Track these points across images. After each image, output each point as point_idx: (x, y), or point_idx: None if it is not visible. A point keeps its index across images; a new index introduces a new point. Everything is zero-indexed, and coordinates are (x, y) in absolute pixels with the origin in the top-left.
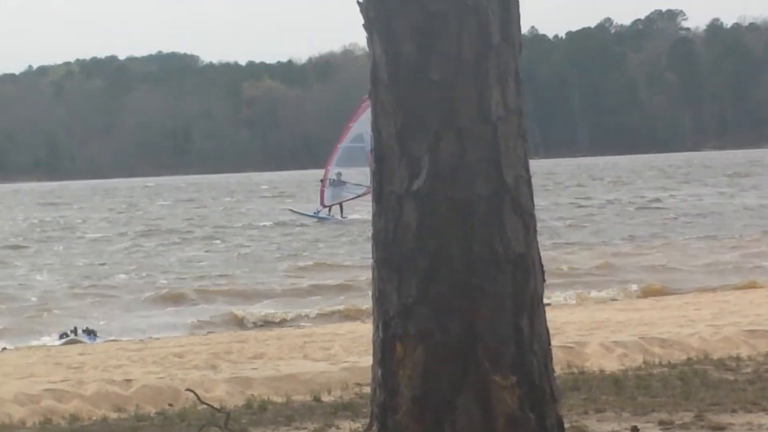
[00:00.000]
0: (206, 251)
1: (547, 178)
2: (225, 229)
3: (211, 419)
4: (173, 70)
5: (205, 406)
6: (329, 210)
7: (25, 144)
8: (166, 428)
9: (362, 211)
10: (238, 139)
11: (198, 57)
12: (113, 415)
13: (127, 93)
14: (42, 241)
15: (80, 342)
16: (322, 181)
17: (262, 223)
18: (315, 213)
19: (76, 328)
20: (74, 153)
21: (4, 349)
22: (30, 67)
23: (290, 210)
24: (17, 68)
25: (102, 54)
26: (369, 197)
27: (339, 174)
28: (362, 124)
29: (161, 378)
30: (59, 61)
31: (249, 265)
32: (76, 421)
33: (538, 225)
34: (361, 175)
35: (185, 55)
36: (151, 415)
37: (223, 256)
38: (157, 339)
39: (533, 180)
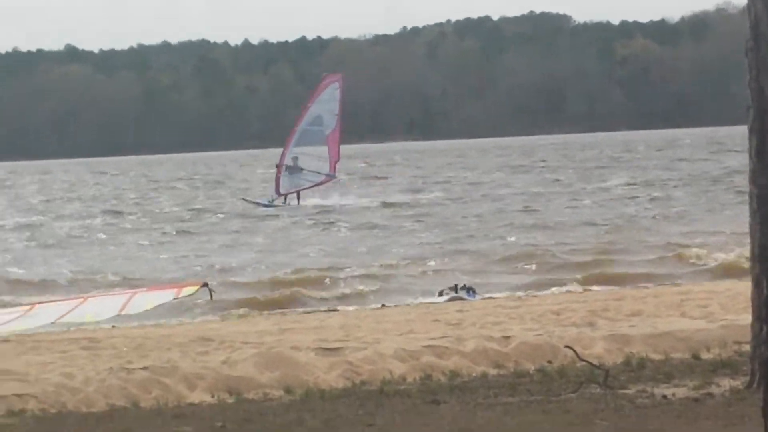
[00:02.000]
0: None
1: None
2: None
3: (590, 376)
4: (546, 30)
5: (583, 363)
6: (285, 198)
7: (399, 105)
8: (545, 384)
9: (315, 196)
10: (610, 99)
11: (570, 17)
12: (492, 372)
13: (500, 53)
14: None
15: (460, 299)
16: (278, 167)
17: None
18: (269, 202)
19: (456, 285)
20: (448, 113)
21: (383, 305)
22: (404, 28)
23: (243, 199)
24: (391, 29)
25: (475, 14)
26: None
27: (296, 158)
28: (321, 106)
29: (539, 335)
30: (432, 22)
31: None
32: (456, 377)
33: None
34: (318, 162)
35: (557, 15)
36: (530, 371)
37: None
38: (534, 296)
39: None
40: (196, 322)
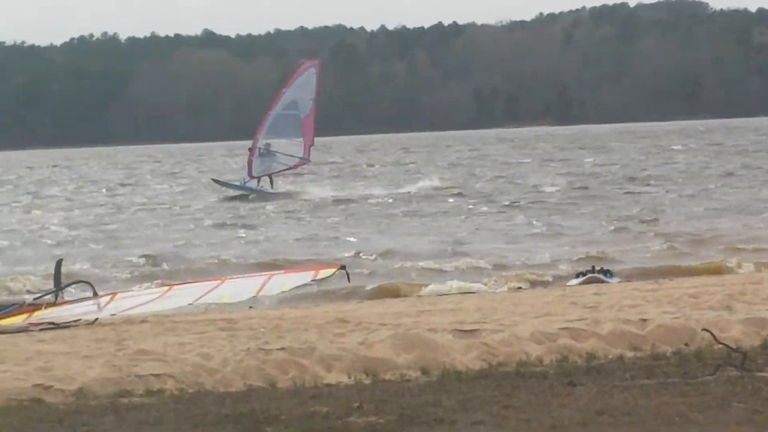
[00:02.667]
0: None
1: None
2: None
3: (728, 359)
4: (682, 18)
5: (720, 346)
6: (258, 181)
7: (535, 90)
8: (682, 367)
9: (295, 182)
10: (748, 86)
11: (707, 4)
12: (629, 354)
13: (636, 40)
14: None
15: (598, 281)
16: (250, 150)
17: None
18: (242, 184)
19: (593, 267)
20: (584, 99)
21: (520, 288)
22: (540, 14)
23: (213, 180)
24: (527, 15)
25: (611, 1)
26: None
27: (268, 145)
28: (297, 90)
29: (676, 318)
30: (568, 8)
31: None
32: (593, 359)
33: None
34: (293, 146)
35: (694, 2)
36: (667, 354)
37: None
38: (671, 280)
39: None
40: (333, 303)
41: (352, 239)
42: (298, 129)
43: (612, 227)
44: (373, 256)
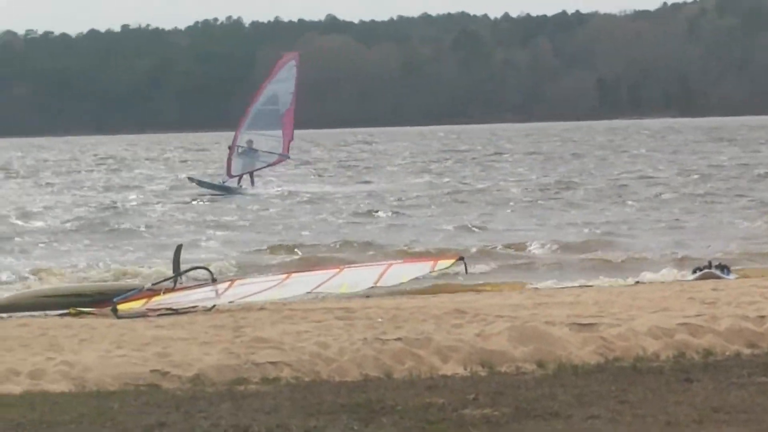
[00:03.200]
0: None
1: None
2: None
3: None
4: None
5: None
6: (239, 180)
7: (657, 80)
8: None
9: (275, 181)
10: None
11: None
12: (746, 351)
13: (761, 31)
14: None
15: (714, 276)
16: (230, 148)
17: None
18: (221, 183)
19: (710, 263)
20: (707, 90)
21: (637, 282)
22: (664, 4)
23: (189, 179)
24: (652, 5)
25: None
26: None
27: (250, 142)
28: (277, 84)
29: None
30: None
31: None
32: (710, 355)
33: None
34: (273, 141)
35: None
36: None
37: None
38: None
39: None
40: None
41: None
42: (277, 124)
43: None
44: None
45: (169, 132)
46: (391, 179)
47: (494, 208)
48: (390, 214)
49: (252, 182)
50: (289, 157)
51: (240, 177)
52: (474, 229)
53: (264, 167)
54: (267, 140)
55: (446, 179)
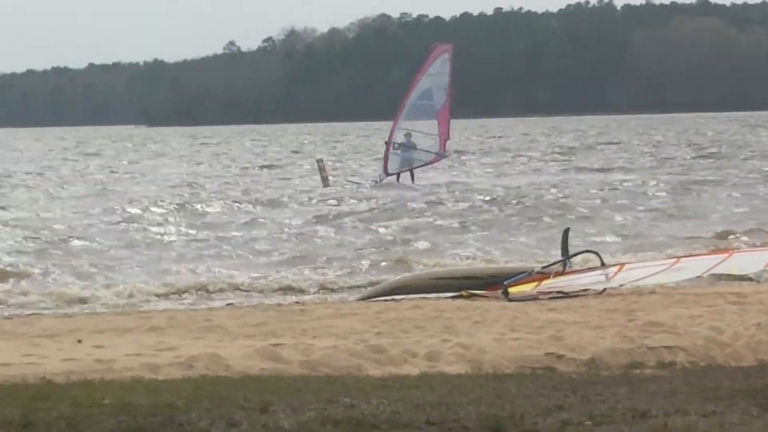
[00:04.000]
0: None
1: None
2: None
3: None
4: None
5: None
6: (398, 178)
7: None
8: None
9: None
10: None
11: None
12: None
13: None
14: None
15: None
16: (387, 144)
17: None
18: (377, 183)
19: None
20: None
21: None
22: None
23: (349, 181)
24: None
25: None
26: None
27: (408, 135)
28: (431, 78)
29: None
30: None
31: None
32: None
33: None
34: (429, 140)
35: None
36: None
37: None
38: None
39: None
40: None
41: None
42: (434, 121)
43: None
44: None
45: (544, 116)
46: None
47: None
48: None
49: (412, 179)
50: (446, 156)
51: (398, 175)
52: None
53: (421, 165)
54: (424, 138)
55: None
